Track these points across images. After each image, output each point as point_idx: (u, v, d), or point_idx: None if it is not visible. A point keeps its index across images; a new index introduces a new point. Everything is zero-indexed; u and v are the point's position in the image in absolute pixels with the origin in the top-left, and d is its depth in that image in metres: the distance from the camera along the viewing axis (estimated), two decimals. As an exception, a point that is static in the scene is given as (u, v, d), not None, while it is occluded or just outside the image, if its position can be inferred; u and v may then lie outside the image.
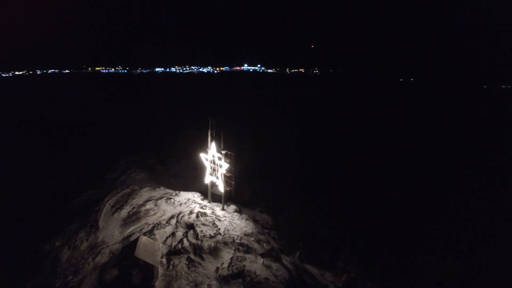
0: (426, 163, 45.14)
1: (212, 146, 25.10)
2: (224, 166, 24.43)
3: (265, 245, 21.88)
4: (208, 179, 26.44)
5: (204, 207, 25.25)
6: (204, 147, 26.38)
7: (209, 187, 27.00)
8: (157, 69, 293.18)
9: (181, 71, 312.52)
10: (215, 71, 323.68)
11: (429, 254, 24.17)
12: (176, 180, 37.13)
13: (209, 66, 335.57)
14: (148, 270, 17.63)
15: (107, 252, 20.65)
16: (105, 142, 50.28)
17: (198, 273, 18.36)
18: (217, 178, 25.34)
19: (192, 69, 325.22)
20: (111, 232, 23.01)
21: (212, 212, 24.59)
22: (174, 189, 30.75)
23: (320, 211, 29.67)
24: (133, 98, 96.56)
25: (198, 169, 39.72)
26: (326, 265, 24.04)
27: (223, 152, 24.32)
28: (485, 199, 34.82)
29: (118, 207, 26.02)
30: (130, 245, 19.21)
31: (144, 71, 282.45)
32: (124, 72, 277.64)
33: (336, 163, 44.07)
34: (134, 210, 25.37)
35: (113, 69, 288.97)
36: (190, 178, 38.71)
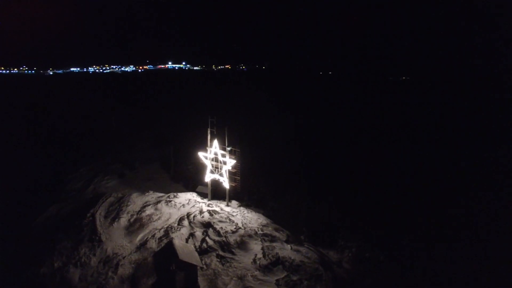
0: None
1: (214, 144, 25.02)
2: (229, 162, 24.61)
3: (281, 232, 22.97)
4: (208, 177, 26.21)
5: (210, 205, 25.07)
6: (204, 146, 26.08)
7: (209, 185, 26.74)
8: (72, 69, 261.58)
9: (100, 70, 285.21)
10: (140, 70, 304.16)
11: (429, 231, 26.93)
12: (153, 183, 35.16)
13: (131, 65, 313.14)
14: (188, 272, 17.22)
15: (127, 262, 19.30)
16: (53, 150, 44.46)
17: (236, 267, 18.58)
18: (221, 175, 25.35)
19: (113, 68, 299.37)
20: (119, 243, 21.40)
21: (221, 209, 24.63)
22: (159, 192, 29.46)
23: (309, 198, 31.45)
24: (71, 101, 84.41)
25: (171, 171, 38.42)
26: (328, 245, 26.05)
27: (228, 149, 24.49)
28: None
29: (113, 216, 24.11)
30: (162, 251, 18.43)
31: (57, 71, 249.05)
32: (31, 73, 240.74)
33: (315, 151, 45.54)
34: (134, 218, 23.84)
35: (16, 69, 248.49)
36: (165, 180, 37.11)
